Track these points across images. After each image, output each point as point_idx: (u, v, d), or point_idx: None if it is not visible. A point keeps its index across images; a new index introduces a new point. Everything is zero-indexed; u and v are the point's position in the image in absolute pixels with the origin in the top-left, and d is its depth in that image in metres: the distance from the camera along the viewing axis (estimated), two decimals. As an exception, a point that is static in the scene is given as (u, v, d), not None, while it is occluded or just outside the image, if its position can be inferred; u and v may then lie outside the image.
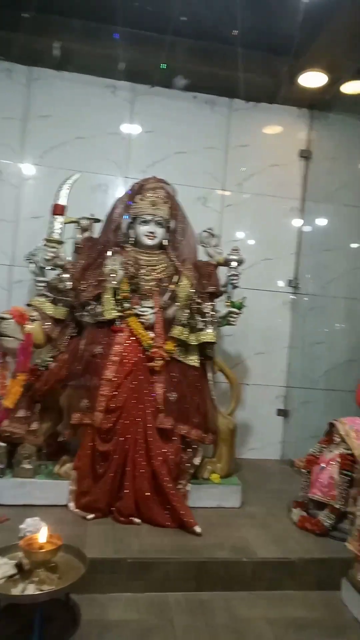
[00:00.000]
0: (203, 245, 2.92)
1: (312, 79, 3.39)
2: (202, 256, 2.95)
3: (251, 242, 3.77)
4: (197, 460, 2.66)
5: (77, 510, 2.40)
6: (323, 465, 2.55)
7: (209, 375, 2.81)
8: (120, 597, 2.01)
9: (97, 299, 2.62)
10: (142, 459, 2.38)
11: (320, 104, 3.65)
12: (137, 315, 2.65)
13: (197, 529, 2.30)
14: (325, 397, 3.69)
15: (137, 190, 2.81)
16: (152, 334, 2.62)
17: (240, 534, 2.37)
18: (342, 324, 3.75)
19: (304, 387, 3.78)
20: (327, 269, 3.76)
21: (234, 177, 3.71)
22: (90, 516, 2.36)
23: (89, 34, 3.08)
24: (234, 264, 2.84)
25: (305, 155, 3.77)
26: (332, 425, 2.66)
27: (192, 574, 2.10)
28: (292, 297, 3.81)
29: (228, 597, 2.08)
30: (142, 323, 2.64)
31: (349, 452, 2.45)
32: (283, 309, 3.82)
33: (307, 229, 3.81)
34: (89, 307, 2.59)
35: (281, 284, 3.80)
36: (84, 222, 2.81)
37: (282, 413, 3.82)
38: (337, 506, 2.41)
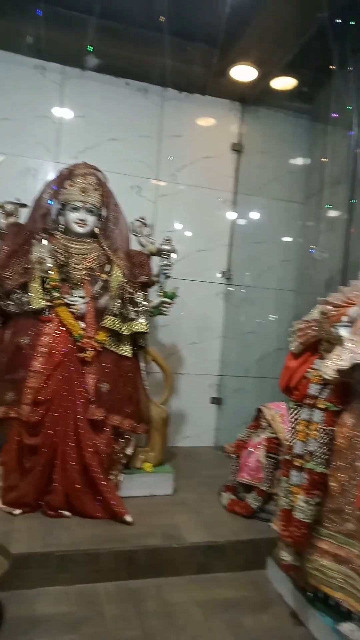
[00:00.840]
0: (135, 235, 2.88)
1: (243, 73, 3.44)
2: (134, 245, 2.92)
3: (185, 233, 3.79)
4: (129, 450, 2.65)
5: (3, 506, 2.31)
6: (251, 449, 2.64)
7: (142, 365, 2.80)
8: (49, 591, 1.97)
9: (24, 287, 2.51)
10: (72, 451, 2.34)
11: (251, 98, 3.71)
12: (67, 305, 2.58)
13: (128, 518, 2.29)
14: (256, 385, 3.81)
15: (67, 176, 2.72)
16: (82, 324, 2.56)
17: (171, 521, 2.40)
18: (272, 314, 3.88)
19: (237, 376, 3.88)
20: (258, 261, 3.86)
21: (167, 167, 3.70)
22: (18, 512, 2.28)
23: (14, 10, 2.91)
24: (166, 254, 2.84)
25: (237, 148, 3.83)
26: (259, 410, 2.74)
27: (122, 563, 2.09)
28: (225, 288, 3.87)
29: (159, 583, 2.10)
30: (73, 313, 2.57)
31: (275, 435, 2.55)
32: (216, 300, 3.88)
33: (239, 221, 3.88)
34: (15, 296, 2.48)
35: (214, 275, 3.85)
36: (9, 207, 2.68)
37: (216, 401, 3.90)
38: (264, 488, 2.50)
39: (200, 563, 2.19)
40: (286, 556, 1.86)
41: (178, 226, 3.76)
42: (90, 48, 3.00)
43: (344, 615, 1.73)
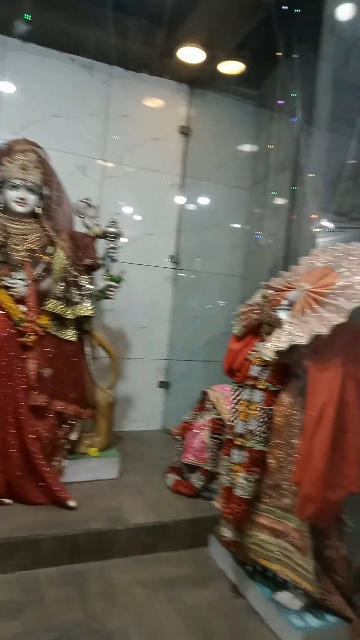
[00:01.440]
0: (80, 216, 2.81)
1: (191, 54, 3.40)
2: (79, 227, 2.84)
3: (133, 216, 3.73)
4: (74, 436, 2.61)
5: None
6: (196, 431, 2.68)
7: (87, 349, 2.75)
8: (-12, 580, 1.93)
9: None
10: (13, 438, 2.27)
11: (199, 80, 3.68)
12: (7, 288, 2.48)
13: (72, 502, 2.27)
14: (203, 368, 3.86)
15: (5, 152, 2.59)
16: (23, 308, 2.48)
17: (116, 504, 2.40)
18: (220, 299, 3.93)
19: (184, 360, 3.91)
20: (206, 246, 3.88)
21: (114, 148, 3.61)
22: None
23: None
24: (112, 236, 2.79)
25: (185, 131, 3.80)
26: (204, 393, 2.78)
27: (65, 548, 2.07)
28: (173, 272, 3.87)
29: (103, 566, 2.11)
30: (12, 296, 2.48)
31: (219, 417, 2.60)
32: (165, 284, 3.87)
33: (188, 206, 3.88)
34: None
35: (163, 259, 3.84)
36: None
37: (163, 385, 3.91)
38: (208, 468, 2.55)
39: (145, 543, 2.21)
40: (227, 532, 1.91)
41: (126, 209, 3.70)
42: (27, 16, 2.84)
43: (280, 585, 1.81)
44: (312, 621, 1.70)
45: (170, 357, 3.93)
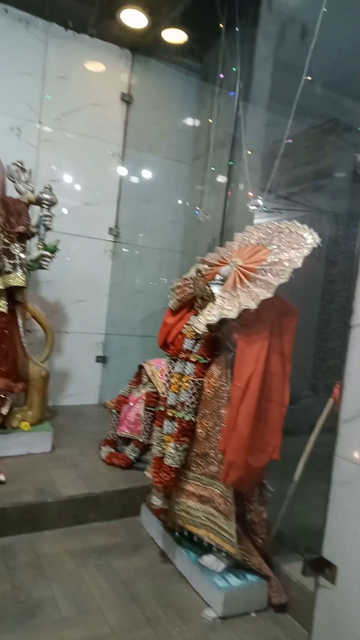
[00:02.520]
0: (12, 180, 2.67)
1: (134, 18, 3.27)
2: (11, 192, 2.70)
3: (72, 184, 3.60)
4: (4, 410, 2.54)
5: None
6: (131, 404, 2.70)
7: (19, 322, 2.66)
8: None
9: None
10: None
11: (142, 47, 3.57)
12: None
13: (1, 477, 2.22)
14: (141, 343, 3.87)
15: None
16: None
17: (47, 477, 2.38)
18: (159, 274, 3.92)
19: (123, 334, 3.89)
20: (147, 220, 3.84)
21: (52, 110, 3.44)
22: None
23: None
24: (47, 203, 2.68)
25: (127, 99, 3.69)
26: (140, 367, 2.80)
27: (-8, 522, 2.04)
28: (113, 245, 3.81)
29: (32, 538, 2.09)
30: None
31: (154, 390, 2.63)
32: (104, 257, 3.80)
33: (129, 178, 3.80)
34: None
35: (103, 231, 3.75)
36: None
37: (101, 359, 3.89)
38: (142, 440, 2.59)
39: (76, 515, 2.22)
40: (156, 501, 1.95)
41: (65, 177, 3.56)
42: None
43: (206, 549, 1.89)
44: (234, 581, 1.79)
45: (108, 332, 3.90)
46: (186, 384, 1.90)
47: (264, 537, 1.84)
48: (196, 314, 1.98)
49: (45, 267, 2.69)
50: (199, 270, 1.91)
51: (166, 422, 1.97)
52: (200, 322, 1.84)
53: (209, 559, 1.86)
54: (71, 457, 2.67)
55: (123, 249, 3.84)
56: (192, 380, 1.87)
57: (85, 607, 1.72)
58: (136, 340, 3.89)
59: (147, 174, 3.87)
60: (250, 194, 2.37)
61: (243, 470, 1.70)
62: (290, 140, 2.15)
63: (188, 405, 1.87)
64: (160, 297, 3.83)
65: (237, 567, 1.84)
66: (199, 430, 1.86)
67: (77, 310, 3.71)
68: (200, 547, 1.91)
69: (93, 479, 2.43)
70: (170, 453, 1.87)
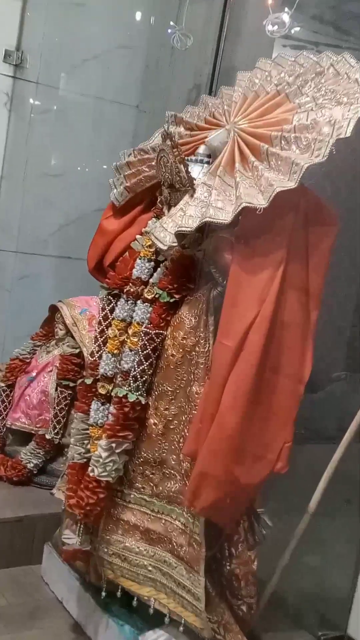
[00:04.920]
0: None
1: None
2: None
3: None
4: None
5: None
6: (33, 374, 2.75)
7: None
8: None
9: None
10: None
11: None
12: None
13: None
14: (54, 269, 3.89)
15: None
16: None
17: None
18: (94, 150, 3.88)
19: (24, 252, 3.87)
20: (76, 43, 3.76)
21: None
22: None
23: None
24: None
25: None
26: (53, 309, 2.85)
27: None
28: (11, 84, 3.72)
29: None
30: None
31: (75, 351, 2.69)
32: None
33: None
34: None
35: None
36: None
37: None
38: (49, 436, 2.66)
39: None
40: (71, 537, 2.01)
41: None
42: None
43: (152, 620, 1.97)
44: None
45: None
46: (134, 340, 1.93)
47: (250, 603, 1.94)
48: (159, 216, 1.98)
49: None
50: (168, 136, 1.89)
51: (95, 405, 2.00)
52: (167, 229, 1.84)
53: (155, 638, 1.94)
54: None
55: (30, 97, 3.77)
56: (146, 333, 1.90)
57: None
58: (46, 262, 3.92)
59: None
60: (271, 1, 2.32)
61: (224, 488, 1.74)
62: None
63: (135, 377, 1.90)
64: (95, 187, 3.80)
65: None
66: (151, 420, 1.91)
67: None
68: (143, 617, 1.99)
69: None
70: (100, 457, 1.91)
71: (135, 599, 1.99)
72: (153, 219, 2.02)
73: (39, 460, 2.66)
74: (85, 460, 2.01)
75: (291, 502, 2.02)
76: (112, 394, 1.95)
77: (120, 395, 1.91)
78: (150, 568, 1.93)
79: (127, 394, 1.90)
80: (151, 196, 2.08)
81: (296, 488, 1.96)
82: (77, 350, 2.69)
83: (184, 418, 1.87)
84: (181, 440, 1.87)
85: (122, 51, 3.82)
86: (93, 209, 3.83)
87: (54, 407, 2.66)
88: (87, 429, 2.02)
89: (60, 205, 3.87)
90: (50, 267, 3.90)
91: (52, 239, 3.90)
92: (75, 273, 3.86)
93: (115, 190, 2.14)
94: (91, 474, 1.93)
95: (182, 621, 1.87)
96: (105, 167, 3.85)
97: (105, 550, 1.99)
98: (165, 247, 1.85)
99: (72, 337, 2.72)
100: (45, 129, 3.80)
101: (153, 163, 2.03)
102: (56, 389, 2.67)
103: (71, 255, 3.88)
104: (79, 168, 3.94)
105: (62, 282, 3.81)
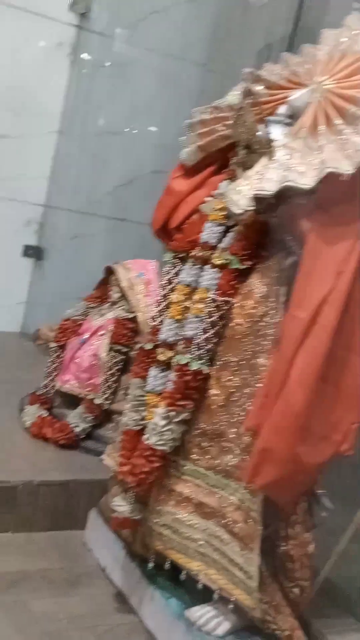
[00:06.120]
0: None
1: None
2: None
3: None
4: None
5: None
6: (85, 336, 2.74)
7: None
8: None
9: None
10: None
11: None
12: None
13: None
14: (110, 230, 3.91)
15: None
16: None
17: None
18: (154, 105, 3.87)
19: (76, 211, 3.90)
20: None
21: None
22: None
23: None
24: None
25: None
26: (108, 271, 2.83)
27: None
28: (75, 35, 3.72)
29: None
30: None
31: (130, 315, 2.69)
32: (56, 57, 3.77)
33: None
34: None
35: (57, 8, 3.66)
36: None
37: (33, 252, 3.93)
38: (99, 401, 2.66)
39: (-26, 515, 2.32)
40: (121, 505, 2.00)
41: None
42: None
43: (199, 596, 1.95)
44: (243, 654, 1.88)
45: (50, 203, 3.93)
46: (199, 306, 1.91)
47: (303, 586, 1.92)
48: (232, 179, 1.94)
49: None
50: (249, 94, 1.86)
51: (153, 372, 1.99)
52: (242, 193, 1.80)
53: (203, 613, 1.93)
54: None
55: (93, 50, 3.75)
56: (212, 300, 1.88)
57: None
58: (100, 223, 3.94)
59: None
60: None
61: (286, 466, 1.73)
62: None
63: (199, 345, 1.88)
64: (152, 148, 3.81)
65: (249, 630, 1.92)
66: (212, 392, 1.89)
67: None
68: (190, 592, 1.98)
69: (5, 459, 2.50)
70: (157, 425, 1.90)
71: (183, 572, 1.98)
72: (225, 181, 1.98)
73: (87, 425, 2.67)
74: (139, 427, 2.00)
75: (352, 486, 1.99)
76: (173, 361, 1.93)
77: (182, 363, 1.89)
78: (201, 542, 1.92)
79: (189, 362, 1.87)
80: (224, 157, 2.04)
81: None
82: (132, 315, 2.68)
83: (247, 391, 1.84)
84: (242, 414, 1.85)
85: (190, 5, 3.79)
86: (149, 170, 3.87)
87: (105, 372, 2.67)
88: (144, 396, 2.01)
89: (116, 165, 3.90)
90: (103, 228, 3.95)
91: (106, 199, 3.94)
92: (128, 235, 3.90)
93: (186, 149, 2.10)
94: (146, 442, 1.92)
95: (232, 599, 1.86)
96: (164, 127, 3.85)
97: (156, 520, 1.98)
98: (240, 211, 1.82)
99: (127, 301, 2.71)
100: (106, 84, 3.83)
101: (229, 122, 2.00)
102: (108, 354, 2.67)
103: (125, 217, 3.89)
104: (137, 127, 3.93)
105: (114, 244, 3.83)
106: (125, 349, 2.66)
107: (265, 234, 1.88)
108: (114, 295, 2.77)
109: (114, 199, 3.92)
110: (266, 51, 3.15)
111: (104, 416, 2.69)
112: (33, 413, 2.74)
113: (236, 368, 1.86)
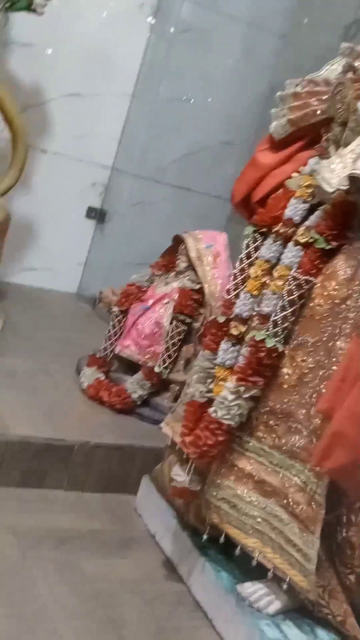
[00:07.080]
0: None
1: None
2: None
3: None
4: None
5: None
6: (149, 303, 2.75)
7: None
8: None
9: None
10: None
11: None
12: None
13: None
14: (175, 199, 3.89)
15: None
16: None
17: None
18: (232, 75, 3.83)
19: (142, 177, 3.88)
20: None
21: None
22: None
23: None
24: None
25: None
26: (178, 240, 2.80)
27: None
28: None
29: None
30: None
31: (196, 286, 2.68)
32: (134, 20, 3.75)
33: None
34: None
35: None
36: None
37: (96, 215, 3.94)
38: (158, 369, 2.67)
39: (30, 471, 2.34)
40: (180, 475, 2.01)
41: None
42: None
43: (251, 573, 1.96)
44: (294, 634, 1.87)
45: (117, 167, 3.92)
46: (278, 283, 1.89)
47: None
48: (323, 156, 1.91)
49: (39, 10, 2.72)
50: (351, 69, 1.82)
51: (225, 345, 1.99)
52: (335, 171, 1.77)
53: (255, 590, 1.94)
54: (27, 374, 2.77)
55: (174, 13, 3.72)
56: (294, 278, 1.86)
57: (31, 624, 1.82)
58: (165, 191, 3.92)
59: None
60: None
61: (357, 452, 1.72)
62: None
63: (276, 322, 1.86)
64: (223, 119, 3.75)
65: (300, 612, 1.92)
66: (284, 370, 1.88)
67: (69, 114, 3.71)
68: (242, 568, 1.99)
69: (64, 418, 2.54)
70: (225, 399, 1.89)
71: (238, 548, 1.98)
72: (315, 157, 1.95)
73: (145, 392, 2.67)
74: (205, 399, 2.00)
75: None
76: (248, 336, 1.92)
77: (257, 339, 1.87)
78: (259, 520, 1.91)
79: (264, 338, 1.86)
80: (315, 133, 2.00)
81: None
82: (198, 286, 2.67)
83: (321, 373, 1.83)
84: (314, 396, 1.83)
85: None
86: (218, 140, 3.83)
87: (167, 341, 2.66)
88: (212, 368, 2.00)
89: (186, 133, 3.87)
90: (167, 196, 3.93)
91: (171, 167, 3.91)
92: (191, 206, 3.88)
93: (276, 122, 2.06)
94: (213, 415, 1.92)
95: (287, 579, 1.86)
96: (237, 98, 3.80)
97: (214, 494, 1.98)
98: (331, 190, 1.78)
99: (194, 271, 2.69)
100: (184, 50, 3.78)
101: (324, 97, 1.96)
102: (171, 322, 2.66)
103: (191, 187, 3.86)
104: (210, 96, 3.88)
105: (177, 213, 3.82)
106: (188, 320, 2.65)
107: (353, 215, 1.85)
108: (181, 264, 2.75)
109: (180, 168, 3.88)
110: (355, 27, 3.09)
111: (162, 385, 2.69)
112: (91, 375, 2.75)
113: (312, 349, 1.85)
